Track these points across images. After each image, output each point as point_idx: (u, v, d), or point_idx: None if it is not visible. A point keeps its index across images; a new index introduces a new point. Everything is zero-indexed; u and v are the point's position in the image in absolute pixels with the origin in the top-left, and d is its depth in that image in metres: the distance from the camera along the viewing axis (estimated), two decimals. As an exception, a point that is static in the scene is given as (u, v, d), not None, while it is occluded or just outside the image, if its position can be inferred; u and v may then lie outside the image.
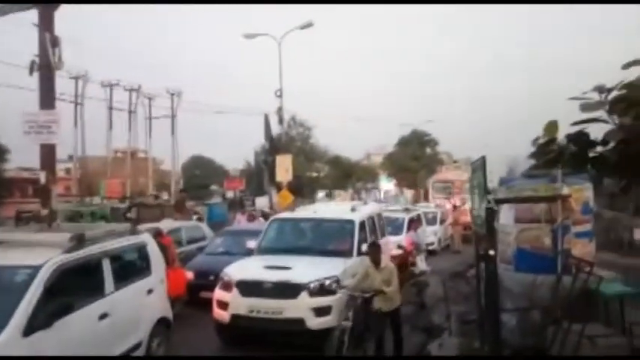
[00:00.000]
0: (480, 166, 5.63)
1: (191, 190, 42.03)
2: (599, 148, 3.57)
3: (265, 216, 16.34)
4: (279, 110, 23.50)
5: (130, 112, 35.45)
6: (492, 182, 7.06)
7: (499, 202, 5.76)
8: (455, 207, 22.56)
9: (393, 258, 10.07)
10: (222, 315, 7.25)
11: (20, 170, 28.59)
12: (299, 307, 6.86)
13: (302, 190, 34.18)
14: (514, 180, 7.46)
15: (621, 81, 3.34)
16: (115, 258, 5.89)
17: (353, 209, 9.25)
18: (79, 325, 4.97)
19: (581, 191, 6.75)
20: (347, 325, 6.23)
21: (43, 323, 4.50)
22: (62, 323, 4.68)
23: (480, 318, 6.21)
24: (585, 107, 3.39)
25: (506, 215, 7.08)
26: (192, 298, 8.98)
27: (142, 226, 8.28)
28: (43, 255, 4.96)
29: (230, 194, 37.41)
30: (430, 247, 16.81)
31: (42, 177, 9.21)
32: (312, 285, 6.95)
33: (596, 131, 3.54)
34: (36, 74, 9.12)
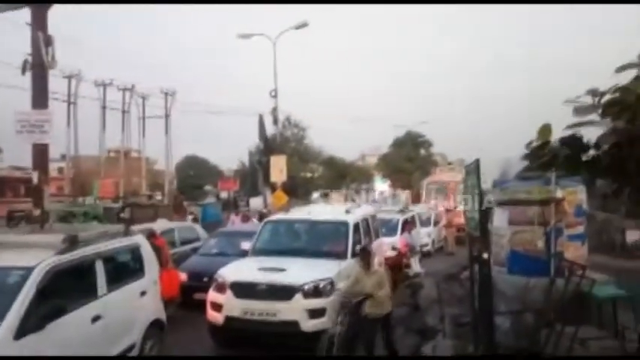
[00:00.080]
0: (473, 169, 5.65)
1: (185, 190, 41.89)
2: (592, 152, 3.60)
3: (263, 216, 16.23)
4: (274, 111, 23.40)
5: (123, 111, 35.22)
6: (486, 183, 7.09)
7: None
8: (447, 210, 22.59)
9: (387, 259, 10.11)
10: (215, 317, 7.23)
11: (12, 169, 28.30)
12: (293, 309, 6.85)
13: (296, 190, 34.18)
14: (508, 182, 7.49)
15: (615, 84, 3.36)
16: (109, 259, 5.86)
17: (347, 211, 9.27)
18: (71, 328, 4.93)
19: (574, 194, 6.76)
20: (337, 330, 6.24)
21: (35, 326, 4.45)
22: (55, 325, 4.63)
23: (474, 320, 6.21)
24: (579, 110, 3.42)
25: (499, 217, 7.10)
26: (186, 300, 8.94)
27: (135, 227, 8.24)
28: (36, 256, 4.92)
29: (224, 195, 37.30)
30: (424, 249, 16.84)
31: (34, 176, 9.12)
32: (306, 287, 6.94)
33: (590, 134, 3.57)
34: (29, 73, 9.06)
